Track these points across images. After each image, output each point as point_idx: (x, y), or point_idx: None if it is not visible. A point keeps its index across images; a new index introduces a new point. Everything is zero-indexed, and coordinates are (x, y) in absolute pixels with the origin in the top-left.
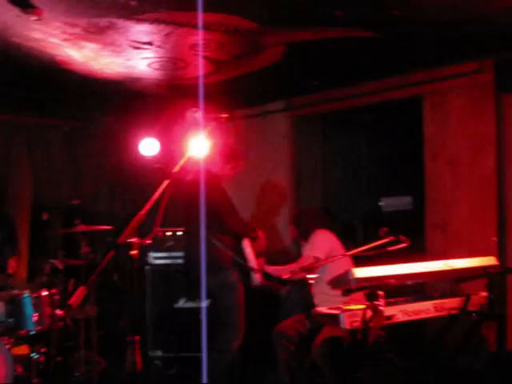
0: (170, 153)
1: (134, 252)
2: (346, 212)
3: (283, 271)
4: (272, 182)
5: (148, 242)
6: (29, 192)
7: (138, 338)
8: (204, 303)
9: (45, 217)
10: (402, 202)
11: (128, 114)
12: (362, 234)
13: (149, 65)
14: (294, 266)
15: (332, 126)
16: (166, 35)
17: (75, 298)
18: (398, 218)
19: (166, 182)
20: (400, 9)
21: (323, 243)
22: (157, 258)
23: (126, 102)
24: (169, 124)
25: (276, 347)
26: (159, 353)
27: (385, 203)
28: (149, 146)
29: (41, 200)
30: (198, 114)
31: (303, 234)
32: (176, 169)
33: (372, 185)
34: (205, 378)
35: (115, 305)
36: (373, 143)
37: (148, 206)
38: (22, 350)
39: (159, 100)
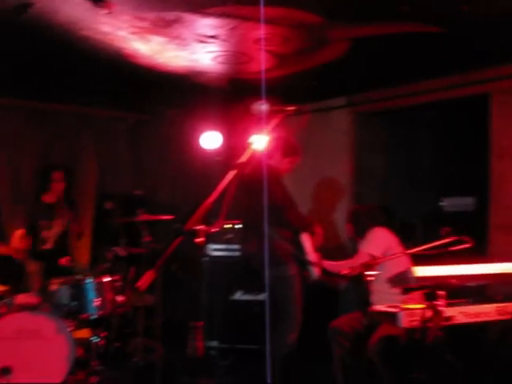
0: (231, 146)
1: (199, 240)
2: (406, 211)
3: (341, 267)
4: (329, 179)
5: (214, 230)
6: (94, 181)
7: (200, 324)
8: (263, 296)
9: (108, 206)
10: (465, 202)
11: (190, 107)
12: (421, 234)
13: (213, 59)
14: (350, 263)
15: (394, 123)
16: (231, 29)
17: (143, 282)
18: (460, 218)
19: (231, 173)
20: (469, 3)
21: (380, 241)
22: (215, 249)
23: (189, 95)
24: (231, 118)
25: (332, 343)
26: (215, 343)
27: (446, 203)
28: (210, 139)
29: (105, 189)
30: (265, 107)
31: (360, 232)
32: (242, 160)
33: (434, 184)
34: (269, 378)
35: (174, 294)
36: (436, 141)
37: (214, 195)
38: (83, 333)
39: (221, 94)
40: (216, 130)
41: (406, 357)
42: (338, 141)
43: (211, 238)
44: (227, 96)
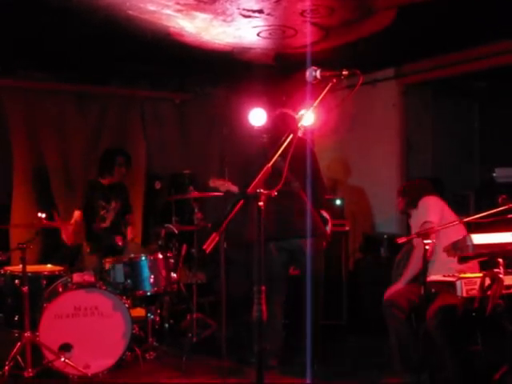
0: (278, 123)
1: (261, 203)
2: (458, 183)
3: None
4: None
5: (275, 193)
6: (143, 162)
7: (263, 287)
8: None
9: (158, 186)
10: None
11: (237, 84)
12: (474, 206)
13: (258, 34)
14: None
15: (443, 93)
16: (276, 2)
17: (208, 245)
18: None
19: (290, 136)
20: None
21: (435, 207)
22: None
23: (234, 73)
24: (278, 94)
25: (386, 317)
26: None
27: (498, 174)
28: (258, 117)
29: (154, 170)
30: (318, 72)
31: (412, 202)
32: (300, 124)
33: (485, 154)
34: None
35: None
36: (486, 111)
37: (274, 159)
38: (139, 312)
39: (267, 70)
40: (262, 107)
41: (465, 328)
42: (387, 113)
43: None
44: (273, 72)
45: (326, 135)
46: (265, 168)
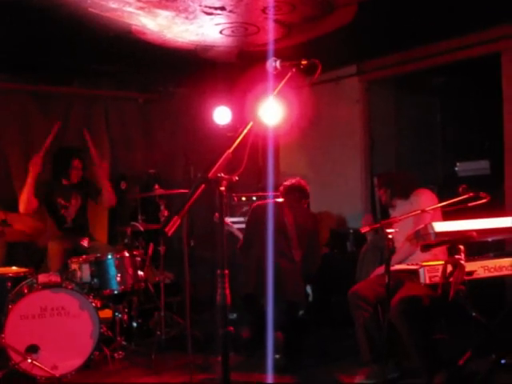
0: (242, 120)
1: (222, 188)
2: (421, 177)
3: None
4: None
5: (235, 178)
6: (107, 162)
7: (227, 271)
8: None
9: (123, 186)
10: (479, 166)
11: (200, 83)
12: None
13: (221, 31)
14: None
15: (406, 89)
16: None
17: (169, 227)
18: (476, 183)
19: (250, 124)
20: None
21: (433, 201)
22: (232, 222)
23: (198, 71)
24: (241, 92)
25: (352, 309)
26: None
27: (461, 168)
28: (222, 115)
29: (118, 170)
30: (278, 63)
31: (401, 192)
32: (259, 113)
33: (447, 149)
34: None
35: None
36: (448, 105)
37: (234, 146)
38: (106, 313)
39: (230, 68)
40: (226, 105)
41: (429, 317)
42: (351, 109)
43: (228, 211)
44: (236, 70)
45: (291, 132)
46: (225, 153)
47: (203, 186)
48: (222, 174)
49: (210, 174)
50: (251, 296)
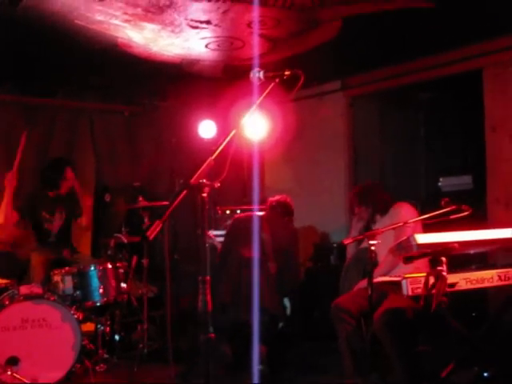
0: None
1: (204, 194)
2: (404, 192)
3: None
4: None
5: (217, 185)
6: (92, 175)
7: (207, 278)
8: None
9: (107, 198)
10: (462, 181)
11: (185, 97)
12: (420, 215)
13: (206, 45)
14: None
15: (389, 104)
16: (224, 12)
17: (151, 232)
18: (459, 198)
19: (232, 132)
20: None
21: (414, 215)
22: (216, 235)
23: (183, 85)
24: (226, 106)
25: (335, 322)
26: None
27: (444, 183)
28: (207, 128)
29: (103, 182)
30: (262, 74)
31: (382, 209)
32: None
33: (431, 164)
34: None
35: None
36: (431, 121)
37: (216, 153)
38: (88, 327)
39: (216, 83)
40: (211, 119)
41: (413, 329)
42: (335, 124)
43: (212, 225)
44: (221, 85)
45: (276, 147)
46: (208, 160)
47: (185, 191)
48: (205, 180)
49: (192, 180)
50: (227, 305)
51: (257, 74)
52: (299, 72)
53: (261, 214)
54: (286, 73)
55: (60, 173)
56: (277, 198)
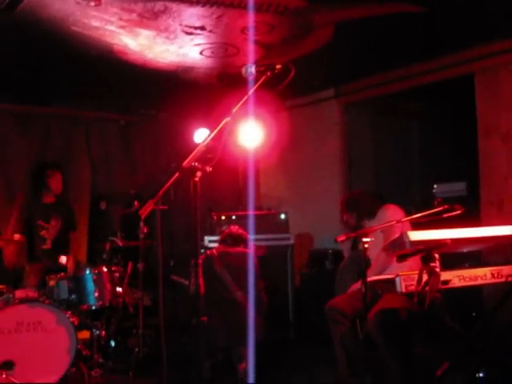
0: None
1: (197, 178)
2: (399, 199)
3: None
4: None
5: (209, 169)
6: (88, 183)
7: (200, 261)
8: None
9: (103, 206)
10: (457, 187)
11: (181, 105)
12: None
13: (201, 52)
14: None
15: (383, 111)
16: (218, 18)
17: (144, 210)
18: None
19: (225, 120)
20: None
21: (401, 215)
22: (211, 241)
23: (178, 93)
24: (221, 114)
25: (329, 323)
26: None
27: (438, 189)
28: (202, 136)
29: (99, 190)
30: (253, 68)
31: (367, 213)
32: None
33: (425, 170)
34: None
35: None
36: (425, 128)
37: (208, 139)
38: (84, 334)
39: (211, 90)
40: (206, 126)
41: (406, 330)
42: (329, 132)
43: (207, 230)
44: (216, 92)
45: (271, 154)
46: (198, 146)
47: (177, 174)
48: (196, 164)
49: (184, 164)
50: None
51: (249, 69)
52: (290, 65)
53: (210, 252)
54: (278, 66)
55: (45, 174)
56: (226, 230)
